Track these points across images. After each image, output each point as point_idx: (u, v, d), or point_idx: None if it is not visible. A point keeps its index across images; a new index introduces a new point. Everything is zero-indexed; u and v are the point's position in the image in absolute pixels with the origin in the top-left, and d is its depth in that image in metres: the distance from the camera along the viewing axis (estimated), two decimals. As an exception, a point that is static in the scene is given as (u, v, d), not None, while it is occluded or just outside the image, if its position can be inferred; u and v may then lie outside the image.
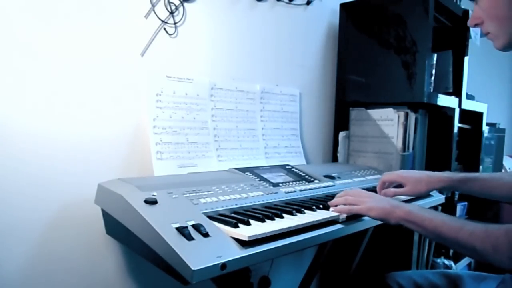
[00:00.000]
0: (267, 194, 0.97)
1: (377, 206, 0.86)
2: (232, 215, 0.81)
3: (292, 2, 1.50)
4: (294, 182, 1.09)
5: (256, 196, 0.94)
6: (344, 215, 0.88)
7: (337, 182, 1.19)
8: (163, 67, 1.12)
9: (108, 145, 1.03)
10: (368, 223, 0.93)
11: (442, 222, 0.78)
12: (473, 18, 0.87)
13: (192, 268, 0.59)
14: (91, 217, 0.98)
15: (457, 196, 1.70)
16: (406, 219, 0.83)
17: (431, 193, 1.25)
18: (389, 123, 1.46)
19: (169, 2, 1.12)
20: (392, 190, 1.07)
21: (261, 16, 1.40)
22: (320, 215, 0.86)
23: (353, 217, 0.90)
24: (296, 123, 1.47)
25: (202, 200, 0.83)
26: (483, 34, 0.88)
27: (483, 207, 1.99)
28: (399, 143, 1.44)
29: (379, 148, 1.49)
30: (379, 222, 0.95)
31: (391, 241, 1.48)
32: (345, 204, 0.90)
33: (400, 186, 1.09)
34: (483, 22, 0.86)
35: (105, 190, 0.86)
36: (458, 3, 1.70)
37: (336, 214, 0.87)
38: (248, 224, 0.74)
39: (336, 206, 0.91)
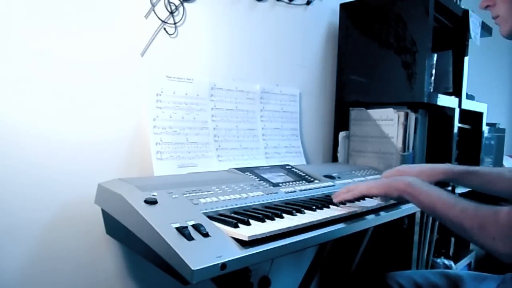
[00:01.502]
0: (267, 194, 0.96)
1: (377, 183, 0.89)
2: (232, 215, 0.81)
3: (292, 2, 1.50)
4: (294, 182, 1.09)
5: (256, 196, 0.94)
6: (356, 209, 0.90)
7: (337, 182, 1.19)
8: (163, 67, 1.12)
9: (108, 145, 1.03)
10: (368, 222, 0.94)
11: (437, 198, 0.78)
12: (486, 0, 0.88)
13: (192, 268, 0.59)
14: (91, 217, 0.98)
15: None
16: (406, 191, 0.84)
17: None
18: (389, 123, 1.46)
19: (169, 2, 1.12)
20: None
21: (261, 16, 1.40)
22: (320, 215, 0.86)
23: (354, 217, 0.90)
24: (296, 123, 1.47)
25: (202, 200, 0.83)
26: (492, 17, 0.88)
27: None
28: (399, 143, 1.44)
29: (379, 148, 1.49)
30: (379, 222, 0.96)
31: (391, 241, 1.48)
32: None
33: None
34: (495, 4, 0.86)
35: (105, 190, 0.86)
36: (458, 3, 1.70)
37: (338, 213, 0.88)
38: (248, 224, 0.74)
39: (339, 201, 0.93)
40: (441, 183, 1.11)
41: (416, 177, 1.04)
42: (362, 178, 1.29)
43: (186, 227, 0.68)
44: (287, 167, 1.22)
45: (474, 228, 0.70)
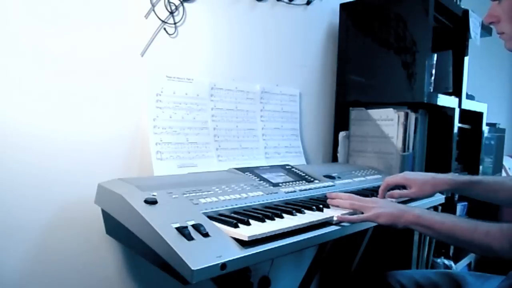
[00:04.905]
0: (267, 194, 0.96)
1: (385, 212, 0.86)
2: (232, 215, 0.81)
3: (292, 2, 1.50)
4: (294, 182, 1.09)
5: (256, 196, 0.93)
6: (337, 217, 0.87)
7: (337, 182, 1.19)
8: (163, 67, 1.12)
9: (108, 145, 1.03)
10: (368, 222, 0.93)
11: (454, 224, 0.80)
12: (490, 16, 0.86)
13: (192, 268, 0.59)
14: (91, 217, 0.98)
15: (457, 197, 1.70)
16: (416, 223, 0.84)
17: (431, 193, 1.24)
18: (389, 123, 1.46)
19: (169, 2, 1.12)
20: (397, 191, 1.05)
21: (261, 16, 1.40)
22: (320, 215, 0.86)
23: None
24: (296, 123, 1.47)
25: (202, 200, 0.83)
26: (497, 33, 0.88)
27: (483, 208, 1.99)
28: (399, 143, 1.44)
29: (379, 148, 1.49)
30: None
31: (391, 241, 1.47)
32: (352, 210, 0.90)
33: (403, 187, 1.08)
34: (499, 22, 0.85)
35: (105, 190, 0.86)
36: (458, 3, 1.70)
37: (338, 213, 0.87)
38: (248, 224, 0.74)
39: (338, 205, 0.91)
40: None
41: (420, 187, 1.04)
42: (362, 178, 1.29)
43: (186, 227, 0.68)
44: (287, 167, 1.22)
45: (505, 247, 0.73)
